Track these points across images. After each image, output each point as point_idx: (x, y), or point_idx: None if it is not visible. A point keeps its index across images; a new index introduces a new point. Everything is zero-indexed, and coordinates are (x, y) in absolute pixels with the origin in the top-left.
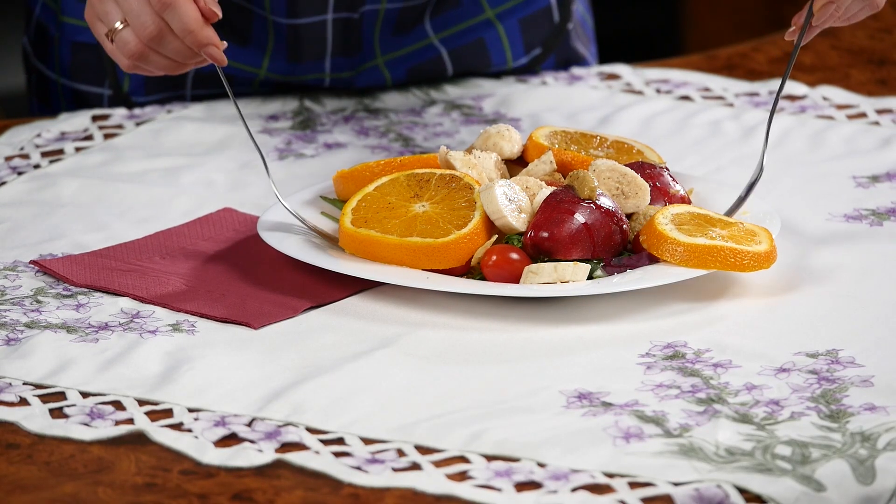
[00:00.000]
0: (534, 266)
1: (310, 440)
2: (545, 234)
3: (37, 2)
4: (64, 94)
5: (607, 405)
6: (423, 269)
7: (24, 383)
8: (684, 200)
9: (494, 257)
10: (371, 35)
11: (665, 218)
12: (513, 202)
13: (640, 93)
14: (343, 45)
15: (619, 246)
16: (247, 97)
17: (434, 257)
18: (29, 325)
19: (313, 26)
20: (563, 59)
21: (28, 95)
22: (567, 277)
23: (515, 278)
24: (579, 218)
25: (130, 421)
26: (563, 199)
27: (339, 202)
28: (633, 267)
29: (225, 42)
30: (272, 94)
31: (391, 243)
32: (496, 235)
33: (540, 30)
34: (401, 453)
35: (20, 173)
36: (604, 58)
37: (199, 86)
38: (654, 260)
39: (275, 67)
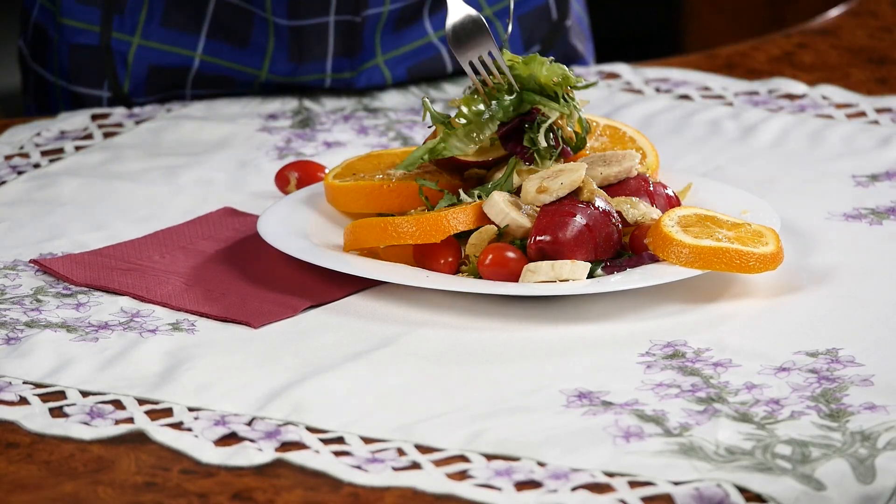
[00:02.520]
0: (532, 265)
1: (310, 439)
2: (548, 238)
3: (34, 4)
4: (63, 97)
5: (607, 404)
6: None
7: (24, 382)
8: (671, 202)
9: (491, 256)
10: (372, 35)
11: (671, 220)
12: (515, 204)
13: (639, 92)
14: (344, 46)
15: (617, 245)
16: (246, 97)
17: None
18: (29, 325)
19: (315, 28)
20: (562, 57)
21: (24, 98)
22: (565, 275)
23: (513, 277)
24: (580, 220)
25: (130, 420)
26: (563, 202)
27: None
28: (633, 267)
29: None
30: (272, 94)
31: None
32: (493, 230)
33: (538, 27)
34: (401, 452)
35: (20, 172)
36: (604, 57)
37: (199, 86)
38: (654, 259)
39: (276, 69)
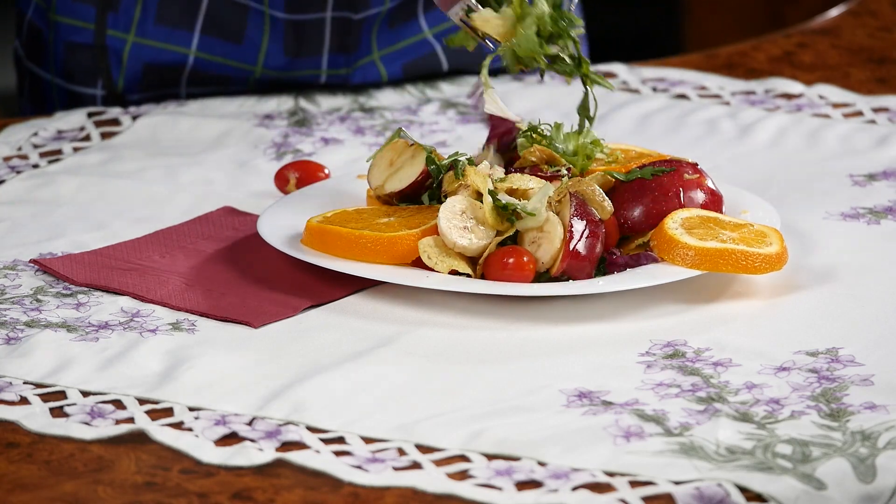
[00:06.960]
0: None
1: (310, 439)
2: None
3: (29, 3)
4: (58, 95)
5: (607, 404)
6: (372, 263)
7: (25, 382)
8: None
9: (511, 260)
10: (369, 31)
11: (675, 222)
12: (465, 213)
13: (636, 91)
14: (340, 43)
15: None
16: (242, 97)
17: (380, 251)
18: (29, 324)
19: (312, 22)
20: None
21: (19, 99)
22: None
23: (526, 279)
24: (598, 244)
25: (131, 420)
26: (594, 222)
27: None
28: (633, 266)
29: None
30: (267, 92)
31: (342, 233)
32: (496, 238)
33: None
34: (401, 452)
35: (19, 172)
36: (604, 58)
37: (194, 83)
38: (653, 260)
39: (271, 63)
